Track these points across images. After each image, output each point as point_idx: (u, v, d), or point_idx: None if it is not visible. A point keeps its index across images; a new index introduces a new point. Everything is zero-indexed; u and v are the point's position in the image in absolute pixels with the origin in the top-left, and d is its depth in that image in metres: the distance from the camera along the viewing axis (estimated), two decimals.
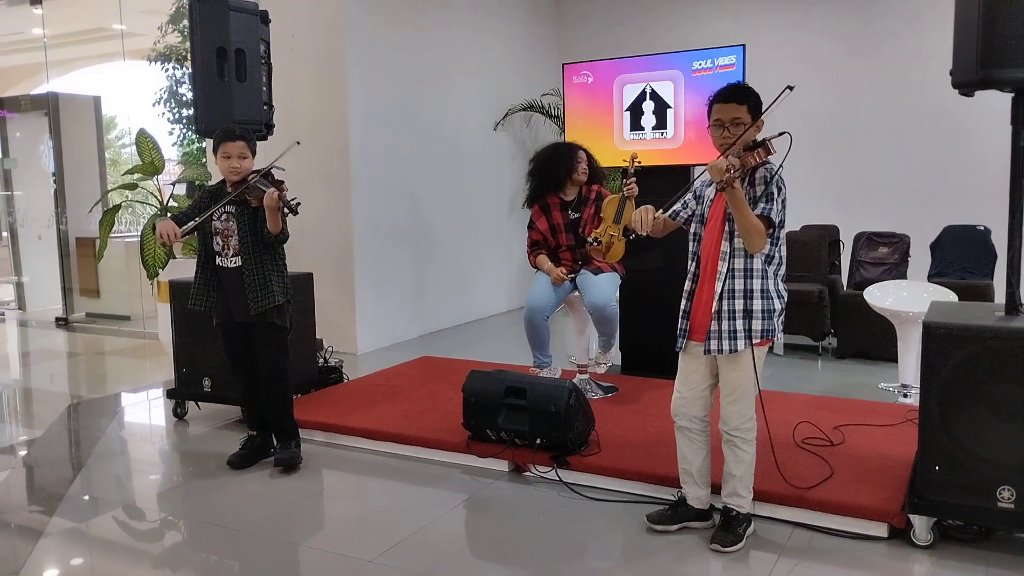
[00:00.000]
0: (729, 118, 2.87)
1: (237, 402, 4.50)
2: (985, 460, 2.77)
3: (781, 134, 2.79)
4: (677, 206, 3.08)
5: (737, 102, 2.88)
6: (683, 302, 3.03)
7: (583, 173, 4.65)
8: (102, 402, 5.41)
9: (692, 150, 4.93)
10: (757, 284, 2.87)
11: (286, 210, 3.65)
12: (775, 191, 2.81)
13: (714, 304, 2.89)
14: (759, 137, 2.87)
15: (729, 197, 2.73)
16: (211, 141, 3.99)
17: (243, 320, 3.84)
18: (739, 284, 2.87)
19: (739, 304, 2.86)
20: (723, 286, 2.88)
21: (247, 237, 3.78)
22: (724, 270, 2.88)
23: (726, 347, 2.88)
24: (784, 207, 2.86)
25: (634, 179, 4.42)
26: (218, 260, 3.85)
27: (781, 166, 2.86)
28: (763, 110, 2.90)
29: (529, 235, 4.79)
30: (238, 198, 3.75)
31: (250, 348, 3.92)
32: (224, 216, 3.81)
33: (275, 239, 3.78)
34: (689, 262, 3.05)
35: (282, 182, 3.75)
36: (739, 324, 2.86)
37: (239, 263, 3.80)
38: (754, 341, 2.87)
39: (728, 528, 2.99)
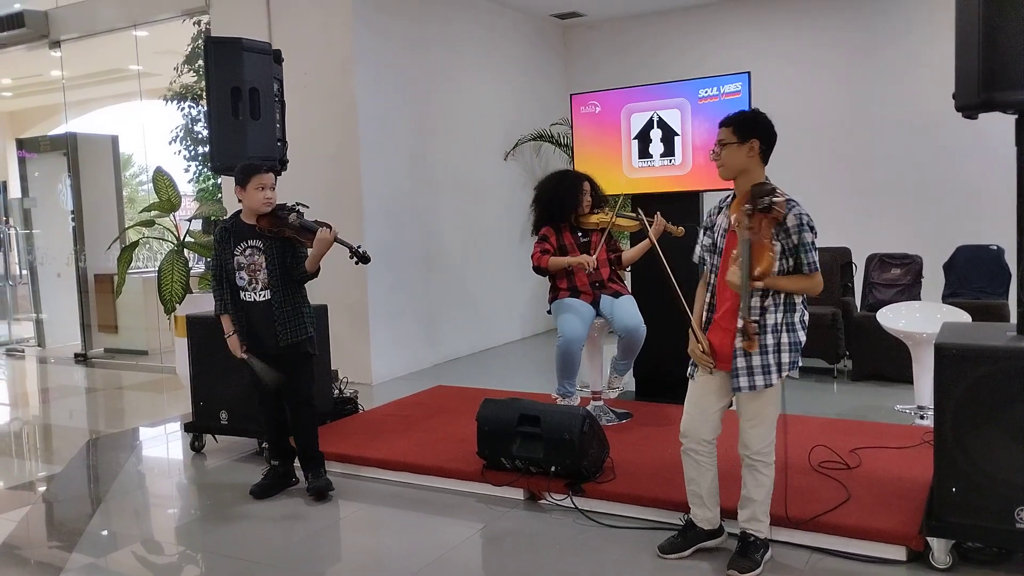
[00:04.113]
0: (716, 140, 2.94)
1: (257, 434, 4.53)
2: (1002, 481, 2.76)
3: (788, 200, 2.82)
4: (699, 251, 3.09)
5: (723, 124, 2.94)
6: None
7: (587, 205, 4.66)
8: (120, 437, 5.46)
9: (701, 176, 4.97)
10: (783, 318, 2.87)
11: (355, 260, 3.69)
12: (809, 239, 2.82)
13: (737, 340, 2.86)
14: (761, 177, 2.90)
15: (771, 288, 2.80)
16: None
17: (273, 352, 3.84)
18: (768, 319, 2.86)
19: (769, 339, 2.86)
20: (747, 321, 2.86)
21: (276, 271, 3.81)
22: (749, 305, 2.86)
23: (760, 383, 2.86)
24: (815, 236, 2.87)
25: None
26: (243, 295, 3.85)
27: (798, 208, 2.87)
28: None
29: (541, 244, 4.64)
30: (278, 235, 3.75)
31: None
32: (249, 251, 3.81)
33: (308, 277, 3.82)
34: (705, 293, 3.04)
35: (328, 223, 3.73)
36: (770, 359, 2.86)
37: (268, 296, 3.81)
38: (783, 373, 2.88)
39: (745, 554, 2.97)
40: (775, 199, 2.74)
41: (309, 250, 3.80)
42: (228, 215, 4.02)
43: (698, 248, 3.11)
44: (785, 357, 2.87)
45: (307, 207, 3.86)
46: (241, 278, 3.84)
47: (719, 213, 3.02)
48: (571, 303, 4.55)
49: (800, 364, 2.96)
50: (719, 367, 2.97)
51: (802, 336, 2.92)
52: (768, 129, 2.92)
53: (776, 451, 3.00)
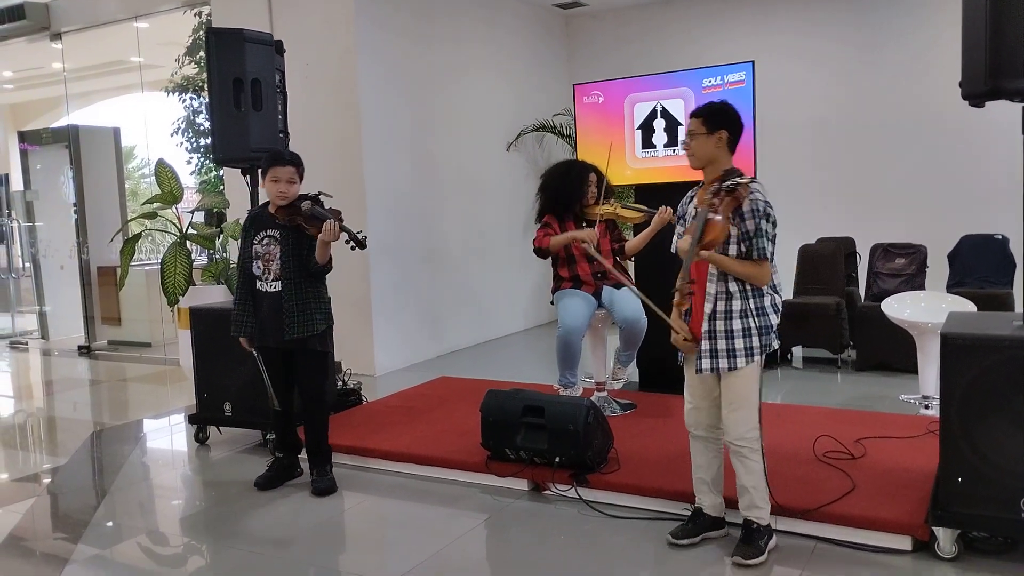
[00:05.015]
0: (687, 132, 3.02)
1: (262, 426, 4.52)
2: (1007, 471, 2.75)
3: (752, 181, 2.92)
4: (675, 240, 3.13)
5: (693, 116, 3.02)
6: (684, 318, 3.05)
7: (592, 197, 4.65)
8: (125, 429, 5.47)
9: None
10: (752, 303, 2.91)
11: (352, 243, 3.61)
12: (765, 227, 2.86)
13: (704, 324, 2.92)
14: (729, 165, 2.95)
15: (715, 265, 2.87)
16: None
17: (276, 345, 3.81)
18: (736, 304, 2.90)
19: (737, 324, 2.90)
20: (714, 307, 2.92)
21: (290, 262, 3.76)
22: (713, 291, 2.92)
23: (724, 365, 2.91)
24: (775, 227, 2.91)
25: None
26: (257, 284, 3.82)
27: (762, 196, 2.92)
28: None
29: (544, 229, 4.58)
30: (290, 224, 3.72)
31: (287, 372, 3.88)
32: (266, 240, 3.79)
33: (321, 269, 3.78)
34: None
35: (339, 212, 3.69)
36: (738, 343, 2.89)
37: (279, 288, 3.77)
38: (754, 357, 2.90)
39: (749, 541, 2.97)
40: (740, 180, 2.83)
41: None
42: (260, 204, 3.95)
43: (675, 239, 3.15)
44: (755, 341, 2.90)
45: (330, 196, 3.83)
46: (256, 267, 3.81)
47: (690, 202, 3.10)
48: (573, 294, 4.54)
49: (776, 346, 2.97)
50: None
51: (773, 319, 2.95)
52: (735, 120, 3.00)
53: (771, 441, 3.01)
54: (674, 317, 3.02)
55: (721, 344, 2.90)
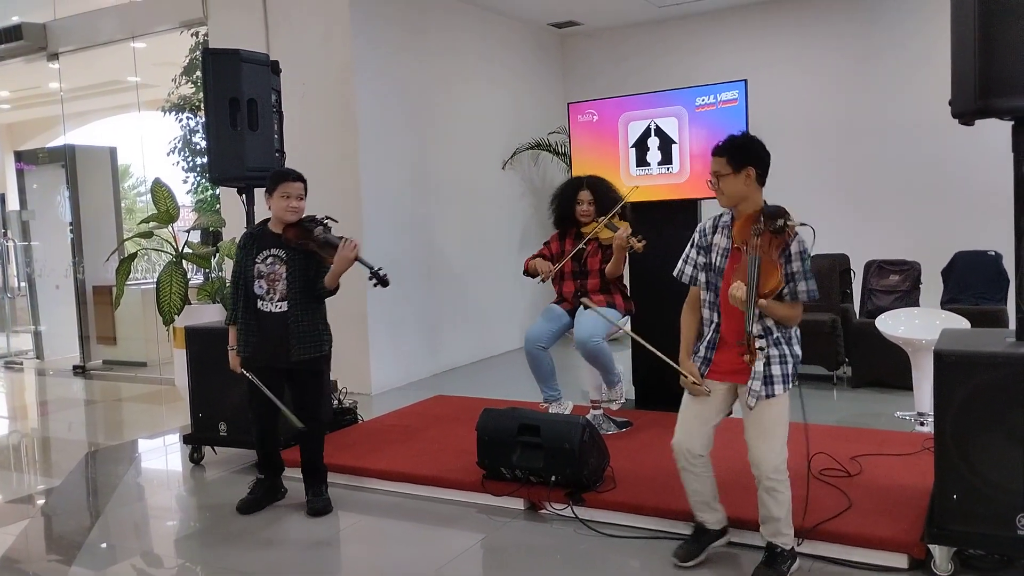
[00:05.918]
0: (712, 171, 2.94)
1: (254, 446, 4.50)
2: (1003, 488, 2.75)
3: (803, 225, 2.84)
4: (691, 271, 3.11)
5: (716, 155, 2.94)
6: (703, 349, 3.03)
7: (583, 215, 4.68)
8: (119, 449, 5.44)
9: (698, 184, 4.96)
10: (785, 333, 2.93)
11: (374, 281, 3.58)
12: (809, 267, 2.88)
13: (745, 356, 2.85)
14: (761, 201, 2.90)
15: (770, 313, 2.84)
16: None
17: (284, 367, 3.78)
18: (774, 334, 2.90)
19: (774, 351, 2.89)
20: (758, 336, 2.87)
21: (296, 283, 3.74)
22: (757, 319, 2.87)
23: (762, 392, 2.88)
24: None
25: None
26: (260, 304, 3.78)
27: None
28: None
29: (540, 249, 4.88)
30: (302, 248, 3.71)
31: (278, 392, 3.85)
32: (271, 260, 3.76)
33: (329, 293, 3.78)
34: (707, 311, 3.03)
35: (355, 244, 3.65)
36: (776, 370, 2.88)
37: (284, 308, 3.75)
38: (788, 385, 2.90)
39: (771, 565, 2.93)
40: (789, 222, 2.77)
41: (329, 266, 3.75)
42: (258, 222, 3.96)
43: (687, 268, 3.11)
44: (790, 368, 2.91)
45: (336, 222, 3.83)
46: (259, 286, 3.78)
47: (715, 233, 3.02)
48: (549, 308, 4.71)
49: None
50: (717, 378, 2.98)
51: (798, 350, 2.96)
52: (761, 154, 2.92)
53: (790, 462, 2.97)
54: (682, 359, 3.03)
55: (770, 370, 2.88)
